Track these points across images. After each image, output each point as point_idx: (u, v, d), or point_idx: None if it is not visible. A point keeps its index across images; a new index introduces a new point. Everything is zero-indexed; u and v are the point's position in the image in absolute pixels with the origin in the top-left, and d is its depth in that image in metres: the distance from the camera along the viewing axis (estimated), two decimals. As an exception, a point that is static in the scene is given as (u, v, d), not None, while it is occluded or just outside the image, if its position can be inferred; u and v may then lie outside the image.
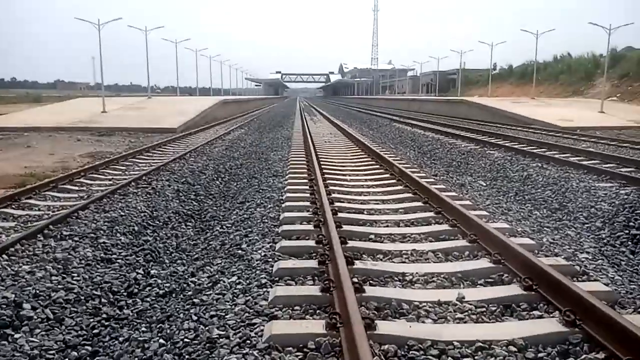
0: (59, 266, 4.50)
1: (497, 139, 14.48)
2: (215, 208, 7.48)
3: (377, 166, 9.41)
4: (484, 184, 8.77)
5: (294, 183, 7.60)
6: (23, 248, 4.82)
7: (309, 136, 14.83)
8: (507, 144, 12.85)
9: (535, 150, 11.49)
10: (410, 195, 6.65)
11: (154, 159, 11.47)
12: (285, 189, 7.17)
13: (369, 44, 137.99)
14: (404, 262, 4.17)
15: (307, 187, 7.18)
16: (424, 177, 8.01)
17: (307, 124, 20.28)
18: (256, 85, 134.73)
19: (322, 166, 9.04)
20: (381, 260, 4.22)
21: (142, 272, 4.78)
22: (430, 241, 4.76)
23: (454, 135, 15.77)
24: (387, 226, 5.32)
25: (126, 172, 9.67)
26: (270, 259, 4.25)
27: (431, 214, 5.64)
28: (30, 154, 12.84)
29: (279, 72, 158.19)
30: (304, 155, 11.22)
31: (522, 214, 6.62)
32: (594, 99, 36.60)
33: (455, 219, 5.11)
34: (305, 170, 8.73)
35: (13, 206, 6.50)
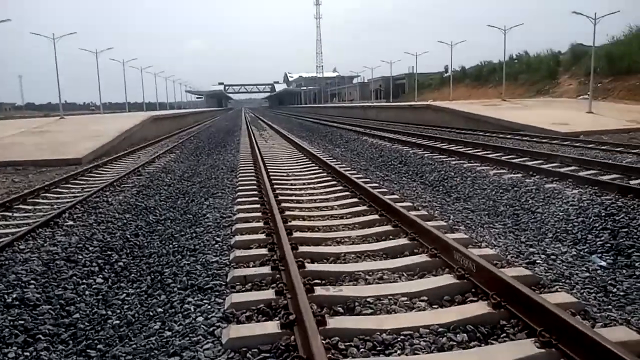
0: None
1: (538, 161, 10.09)
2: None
3: (407, 240, 5.04)
4: (605, 264, 4.67)
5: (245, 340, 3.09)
6: None
7: (261, 164, 10.42)
8: (564, 171, 8.46)
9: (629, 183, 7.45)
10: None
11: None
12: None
13: (313, 53, 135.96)
14: None
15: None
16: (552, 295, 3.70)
17: (256, 143, 15.80)
18: (197, 98, 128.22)
19: (299, 246, 4.65)
20: None
21: None
22: None
23: (456, 154, 11.73)
24: None
25: None
26: None
27: None
28: None
29: (222, 84, 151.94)
30: (258, 208, 6.77)
31: None
32: (562, 97, 34.48)
33: None
34: (267, 258, 4.30)
35: None
